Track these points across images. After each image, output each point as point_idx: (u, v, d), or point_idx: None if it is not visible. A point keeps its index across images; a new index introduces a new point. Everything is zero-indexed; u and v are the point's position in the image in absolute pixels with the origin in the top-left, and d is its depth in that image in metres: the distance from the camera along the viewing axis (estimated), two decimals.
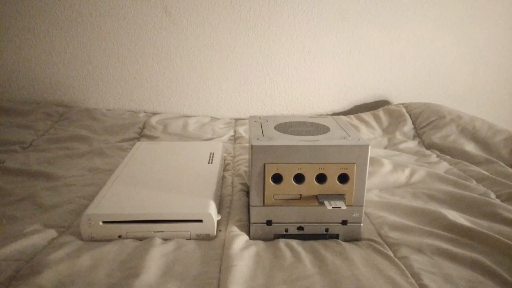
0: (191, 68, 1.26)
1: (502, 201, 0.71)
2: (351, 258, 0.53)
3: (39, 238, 0.57)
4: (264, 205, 0.57)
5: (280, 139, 0.57)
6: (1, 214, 0.63)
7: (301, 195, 0.56)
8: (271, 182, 0.55)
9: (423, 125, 1.10)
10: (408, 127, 1.12)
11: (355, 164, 0.55)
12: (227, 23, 1.22)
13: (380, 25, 1.25)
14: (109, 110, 1.25)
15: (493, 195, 0.73)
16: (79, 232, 0.58)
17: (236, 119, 1.25)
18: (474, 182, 0.79)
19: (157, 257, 0.53)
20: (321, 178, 0.56)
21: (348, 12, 1.23)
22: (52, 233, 0.58)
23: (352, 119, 1.20)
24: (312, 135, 0.59)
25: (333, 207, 0.54)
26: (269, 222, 0.58)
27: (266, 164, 0.54)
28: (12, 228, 0.60)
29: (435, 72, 1.33)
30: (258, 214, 0.57)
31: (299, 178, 0.56)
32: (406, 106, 1.21)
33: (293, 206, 0.57)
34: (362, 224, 0.58)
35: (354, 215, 0.57)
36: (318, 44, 1.26)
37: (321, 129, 0.62)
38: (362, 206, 0.57)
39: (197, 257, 0.54)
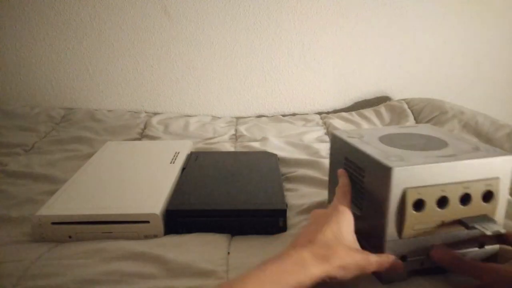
0: (191, 68, 1.26)
1: None
2: None
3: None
4: (401, 238, 0.47)
5: (414, 157, 0.47)
6: None
7: (443, 221, 0.47)
8: (412, 210, 0.46)
9: (425, 120, 1.10)
10: (410, 123, 1.12)
11: (499, 179, 0.48)
12: (226, 22, 1.22)
13: (380, 20, 1.25)
14: (110, 111, 1.25)
15: None
16: None
17: (237, 118, 1.25)
18: None
19: None
20: (465, 199, 0.47)
21: (347, 9, 1.23)
22: None
23: (354, 115, 1.19)
24: (437, 149, 0.51)
25: (491, 233, 0.44)
26: (403, 258, 0.48)
27: (407, 190, 0.45)
28: (15, 230, 0.60)
29: (437, 68, 1.33)
30: (393, 249, 0.47)
31: (441, 202, 0.47)
32: (408, 102, 1.21)
33: (433, 235, 0.48)
34: (499, 246, 0.51)
35: None
36: (318, 41, 1.25)
37: (437, 142, 0.54)
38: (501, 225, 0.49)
39: None
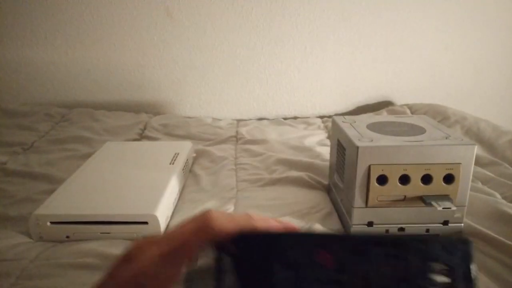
0: (192, 69, 1.25)
1: (508, 202, 0.70)
2: None
3: None
4: (367, 207, 0.55)
5: (383, 140, 0.55)
6: None
7: (405, 196, 0.55)
8: (375, 184, 0.54)
9: None
10: None
11: (460, 164, 0.53)
12: (229, 24, 1.21)
13: (382, 25, 1.25)
14: (110, 111, 1.24)
15: (499, 197, 0.72)
16: None
17: (238, 120, 1.24)
18: (480, 183, 0.78)
19: None
20: (426, 179, 0.54)
21: (350, 13, 1.23)
22: None
23: None
24: (411, 135, 0.57)
25: (442, 208, 0.52)
26: (370, 224, 0.57)
27: (371, 166, 0.53)
28: (13, 229, 0.60)
29: (438, 73, 1.32)
30: (360, 216, 0.56)
31: (404, 179, 0.54)
32: (410, 107, 1.21)
33: (396, 207, 0.55)
34: (463, 224, 0.57)
35: (456, 215, 0.56)
36: (320, 45, 1.25)
37: (417, 129, 0.60)
38: (464, 206, 0.56)
39: None
